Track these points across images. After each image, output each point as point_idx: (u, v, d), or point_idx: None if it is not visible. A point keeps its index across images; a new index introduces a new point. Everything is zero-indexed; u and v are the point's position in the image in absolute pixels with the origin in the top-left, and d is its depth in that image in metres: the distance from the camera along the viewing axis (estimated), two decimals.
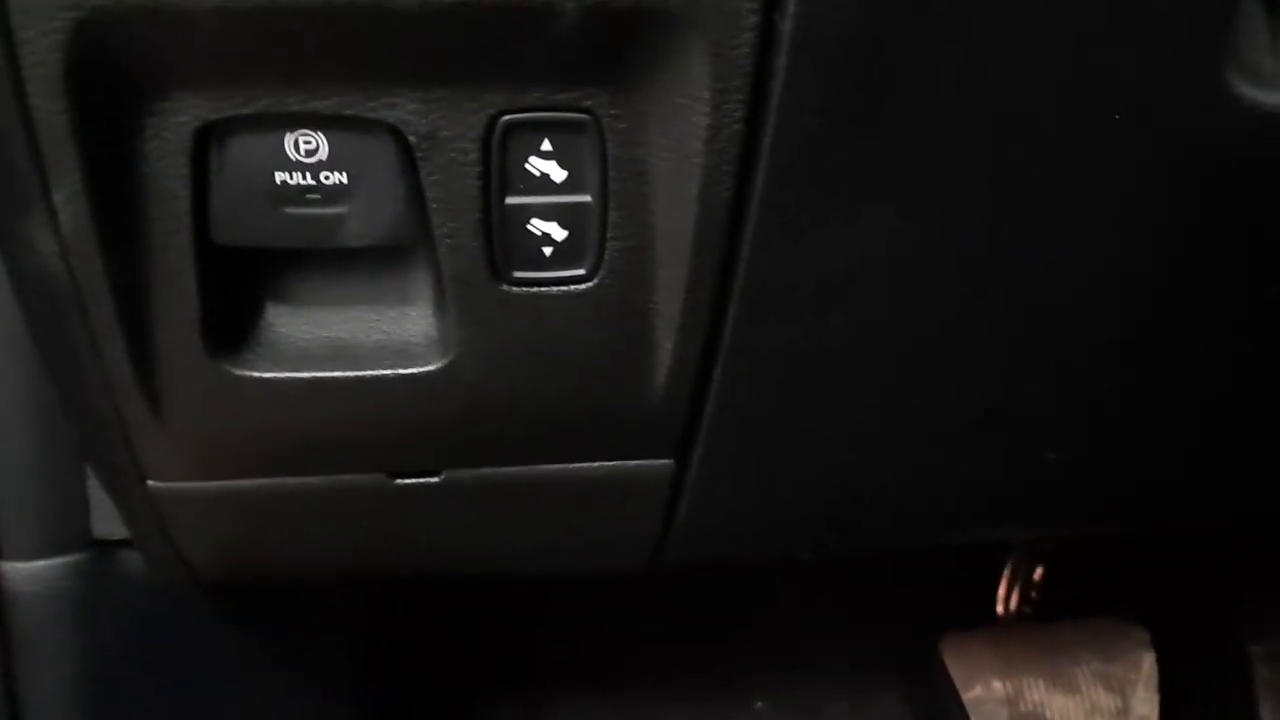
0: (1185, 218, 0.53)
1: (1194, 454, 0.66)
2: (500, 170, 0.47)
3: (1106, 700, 1.10)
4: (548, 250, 0.49)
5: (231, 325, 0.52)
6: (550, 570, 0.70)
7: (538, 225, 0.49)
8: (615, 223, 0.49)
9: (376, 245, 0.49)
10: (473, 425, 0.55)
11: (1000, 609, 1.17)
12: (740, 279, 0.51)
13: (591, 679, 1.19)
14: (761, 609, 1.21)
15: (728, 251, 0.50)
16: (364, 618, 0.91)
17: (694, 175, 0.47)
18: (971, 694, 1.09)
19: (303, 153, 0.46)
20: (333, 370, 0.53)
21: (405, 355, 0.53)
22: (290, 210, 0.48)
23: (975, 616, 1.18)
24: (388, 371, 0.52)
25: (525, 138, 0.47)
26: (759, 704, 1.21)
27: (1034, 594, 1.17)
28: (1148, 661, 1.11)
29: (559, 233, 0.49)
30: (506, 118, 0.46)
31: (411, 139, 0.46)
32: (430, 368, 0.52)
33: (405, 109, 0.45)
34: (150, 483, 0.58)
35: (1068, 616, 1.15)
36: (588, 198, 0.48)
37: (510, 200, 0.48)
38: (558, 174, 0.48)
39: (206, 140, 0.46)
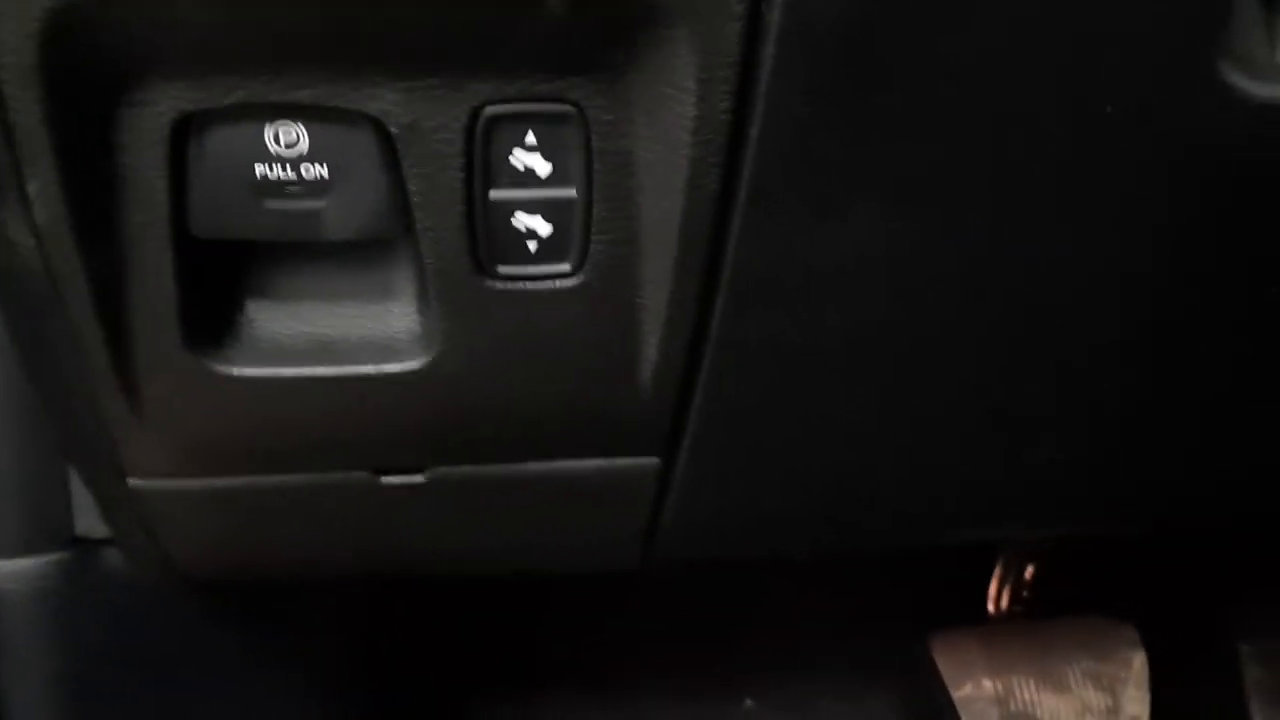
0: (1181, 214, 0.52)
1: (1193, 453, 0.66)
2: (484, 163, 0.47)
3: (1097, 699, 1.09)
4: (532, 245, 0.49)
5: (211, 320, 0.51)
6: (537, 568, 0.70)
7: (522, 220, 0.48)
8: (601, 217, 0.48)
9: (358, 239, 0.48)
10: (457, 422, 0.55)
11: (991, 607, 1.17)
12: (727, 272, 0.50)
13: (584, 678, 1.19)
14: (753, 607, 1.21)
15: (715, 245, 0.49)
16: (355, 616, 0.90)
17: (681, 167, 0.46)
18: (962, 692, 1.09)
19: (283, 145, 0.46)
20: (314, 366, 0.52)
21: (388, 351, 0.52)
22: (270, 203, 0.47)
23: (966, 614, 1.18)
24: (370, 368, 0.52)
25: (509, 130, 0.46)
26: (749, 702, 1.21)
27: (1025, 592, 1.16)
28: (1138, 660, 1.11)
29: (544, 227, 0.48)
30: (490, 109, 0.45)
31: (393, 131, 0.45)
32: (414, 364, 0.52)
33: (387, 100, 0.44)
34: (131, 480, 0.57)
35: (1059, 615, 1.15)
36: (573, 191, 0.48)
37: (494, 194, 0.47)
38: (542, 167, 0.47)
39: (185, 132, 0.45)
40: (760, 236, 0.49)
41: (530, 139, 0.46)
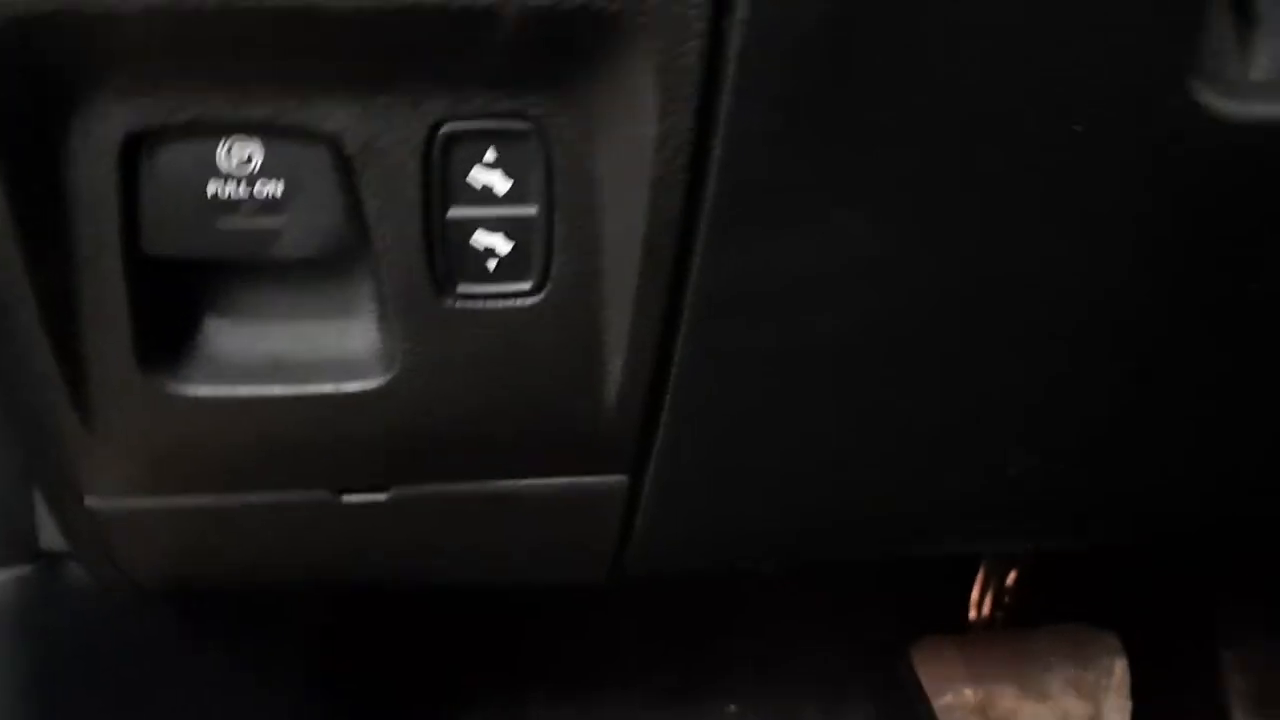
0: (1155, 230, 0.51)
1: (1174, 465, 0.65)
2: (442, 182, 0.46)
3: (1078, 708, 1.09)
4: (492, 264, 0.48)
5: (166, 339, 0.50)
6: (504, 583, 0.69)
7: (482, 238, 0.47)
8: (562, 235, 0.47)
9: (315, 258, 0.48)
10: (419, 442, 0.54)
11: (973, 614, 1.16)
12: (693, 289, 0.49)
13: (566, 682, 1.18)
14: (735, 613, 1.20)
15: (679, 262, 0.48)
16: (326, 628, 0.89)
17: (643, 185, 0.45)
18: (942, 701, 1.08)
19: (236, 163, 0.45)
20: (272, 386, 0.51)
21: (348, 370, 0.51)
22: (224, 221, 0.46)
23: (948, 621, 1.17)
24: (329, 387, 0.51)
25: (467, 148, 0.45)
26: (731, 708, 1.20)
27: (1007, 599, 1.16)
28: (1120, 668, 1.10)
29: (504, 246, 0.48)
30: (447, 127, 0.44)
31: (349, 149, 0.44)
32: (373, 384, 0.51)
33: (341, 118, 0.44)
34: (88, 499, 0.56)
35: (1042, 622, 1.15)
36: (533, 210, 0.47)
37: (453, 212, 0.47)
38: (502, 185, 0.46)
39: (137, 148, 0.44)
40: (726, 252, 0.48)
41: (489, 156, 0.46)
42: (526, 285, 0.49)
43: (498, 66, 0.43)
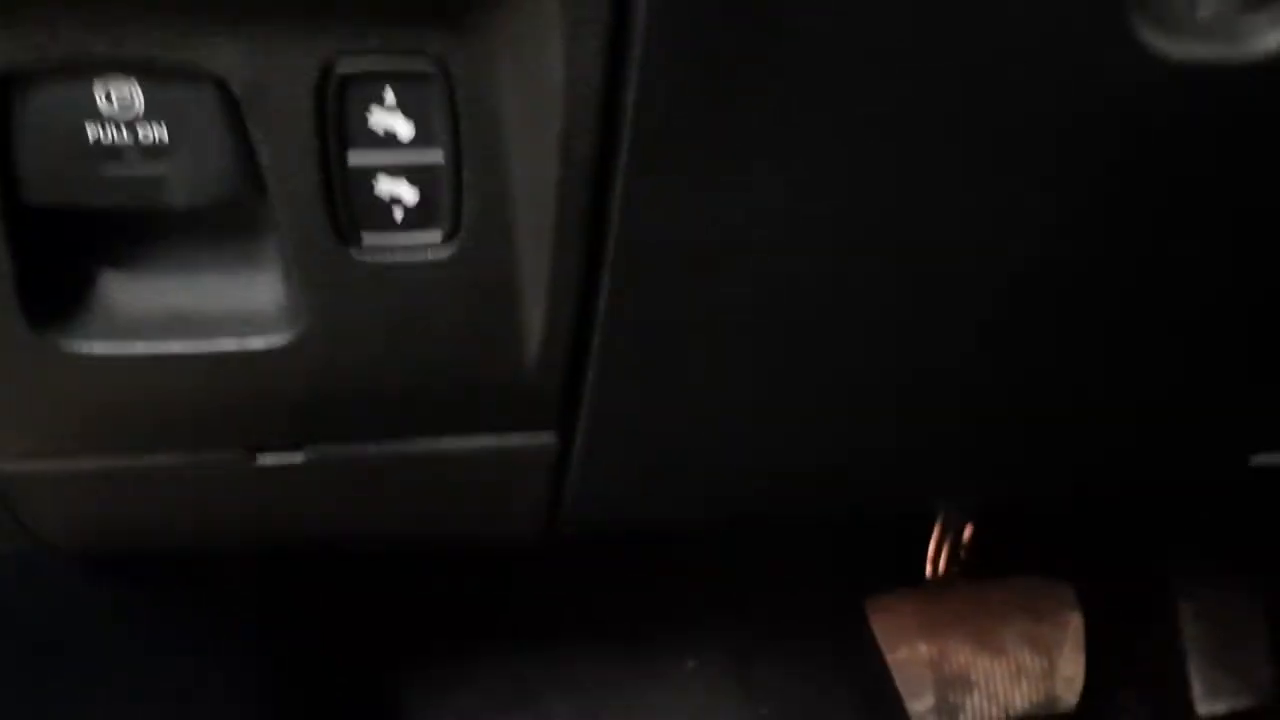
0: (1092, 176, 0.49)
1: (1111, 419, 0.63)
2: (338, 125, 0.43)
3: (1033, 662, 1.08)
4: (398, 213, 0.45)
5: (56, 294, 0.47)
6: (434, 542, 0.67)
7: (385, 185, 0.45)
8: (470, 182, 0.45)
9: (208, 207, 0.45)
10: (333, 400, 0.52)
11: (929, 568, 1.16)
12: (613, 241, 0.47)
13: (522, 641, 1.17)
14: (689, 569, 1.19)
15: (596, 211, 0.46)
16: (262, 589, 0.87)
17: (552, 130, 0.43)
18: (896, 655, 1.08)
19: (115, 105, 0.42)
20: (172, 342, 0.48)
21: (252, 326, 0.48)
22: (107, 168, 0.43)
23: (904, 575, 1.16)
24: (233, 343, 0.48)
25: (365, 89, 0.42)
26: (691, 663, 1.20)
27: (963, 553, 1.15)
28: (1075, 621, 1.10)
29: (409, 193, 0.45)
30: (342, 66, 0.42)
31: (236, 90, 0.41)
32: (279, 339, 0.48)
33: (225, 56, 0.41)
34: None
35: (998, 574, 1.14)
36: (439, 155, 0.44)
37: (353, 158, 0.44)
38: (404, 129, 0.44)
39: (7, 90, 0.41)
40: (646, 204, 0.46)
41: (389, 98, 0.43)
42: (436, 236, 0.46)
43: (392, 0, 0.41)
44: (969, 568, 1.16)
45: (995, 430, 0.61)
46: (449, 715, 1.12)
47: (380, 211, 0.45)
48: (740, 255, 0.49)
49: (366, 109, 0.43)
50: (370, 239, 0.46)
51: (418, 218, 0.45)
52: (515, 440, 0.56)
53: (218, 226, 0.48)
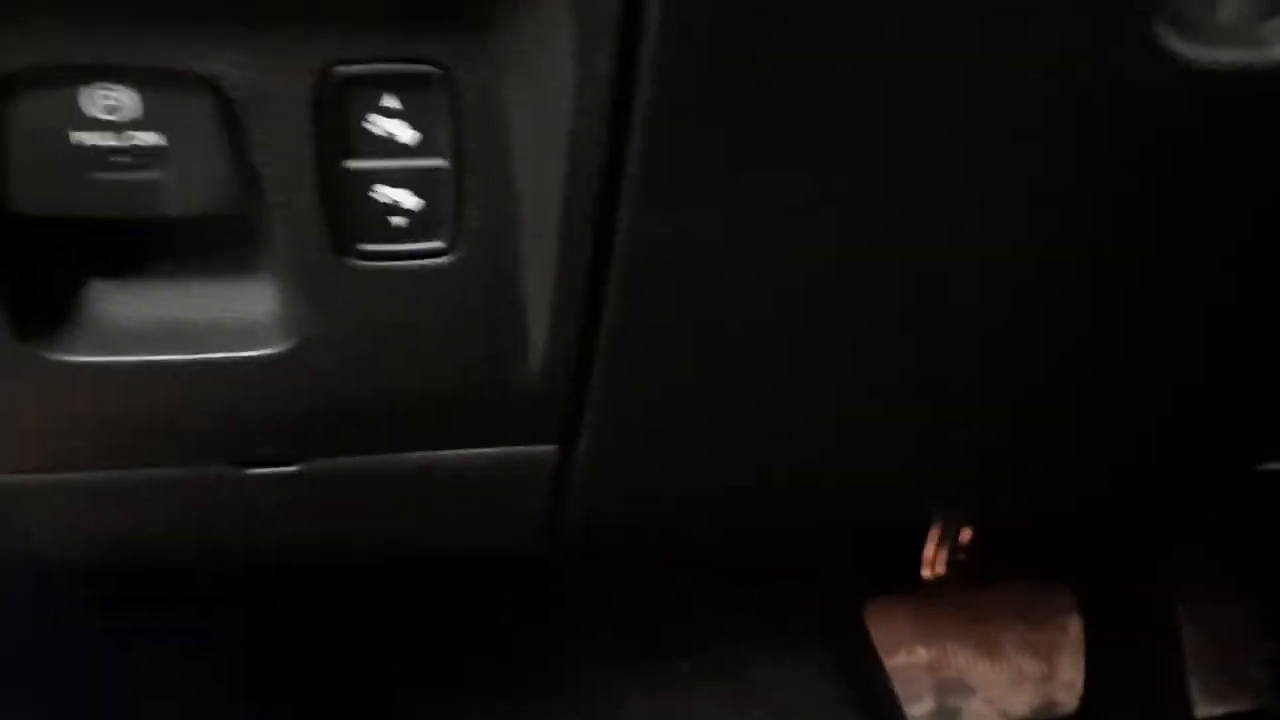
0: (1109, 182, 0.48)
1: (1120, 431, 0.62)
2: (338, 131, 0.41)
3: (1032, 667, 1.08)
4: (399, 221, 0.44)
5: (46, 304, 0.46)
6: (431, 557, 0.66)
7: (385, 193, 0.43)
8: (474, 190, 0.43)
9: (203, 215, 0.43)
10: (328, 412, 0.50)
11: (927, 572, 1.15)
12: (619, 249, 0.45)
13: (517, 644, 1.16)
14: (688, 573, 1.18)
15: (603, 220, 0.44)
16: (252, 602, 0.86)
17: (560, 136, 0.41)
18: (895, 660, 1.07)
19: (104, 110, 0.40)
20: (165, 353, 0.47)
21: (247, 336, 0.47)
22: (97, 175, 0.41)
23: (902, 579, 1.15)
24: (226, 354, 0.47)
25: (365, 93, 0.41)
26: (685, 667, 1.19)
27: (961, 557, 1.14)
28: (1074, 626, 1.09)
29: (410, 201, 0.43)
30: (341, 70, 0.40)
31: (232, 95, 0.40)
32: (274, 350, 0.47)
33: (221, 60, 0.39)
34: None
35: (996, 579, 1.13)
36: (441, 161, 0.43)
37: (352, 165, 0.42)
38: (405, 134, 0.42)
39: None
40: (653, 211, 0.45)
41: (390, 103, 0.41)
42: (438, 244, 0.45)
43: (393, 2, 0.39)
44: (966, 571, 1.15)
45: (1006, 439, 0.60)
46: (446, 717, 1.11)
47: (380, 219, 0.44)
48: (748, 264, 0.48)
49: (366, 114, 0.42)
50: (369, 247, 0.44)
51: (418, 226, 0.44)
52: (516, 453, 0.55)
53: (211, 234, 0.46)
